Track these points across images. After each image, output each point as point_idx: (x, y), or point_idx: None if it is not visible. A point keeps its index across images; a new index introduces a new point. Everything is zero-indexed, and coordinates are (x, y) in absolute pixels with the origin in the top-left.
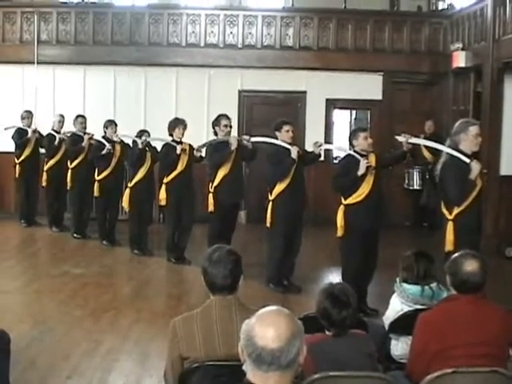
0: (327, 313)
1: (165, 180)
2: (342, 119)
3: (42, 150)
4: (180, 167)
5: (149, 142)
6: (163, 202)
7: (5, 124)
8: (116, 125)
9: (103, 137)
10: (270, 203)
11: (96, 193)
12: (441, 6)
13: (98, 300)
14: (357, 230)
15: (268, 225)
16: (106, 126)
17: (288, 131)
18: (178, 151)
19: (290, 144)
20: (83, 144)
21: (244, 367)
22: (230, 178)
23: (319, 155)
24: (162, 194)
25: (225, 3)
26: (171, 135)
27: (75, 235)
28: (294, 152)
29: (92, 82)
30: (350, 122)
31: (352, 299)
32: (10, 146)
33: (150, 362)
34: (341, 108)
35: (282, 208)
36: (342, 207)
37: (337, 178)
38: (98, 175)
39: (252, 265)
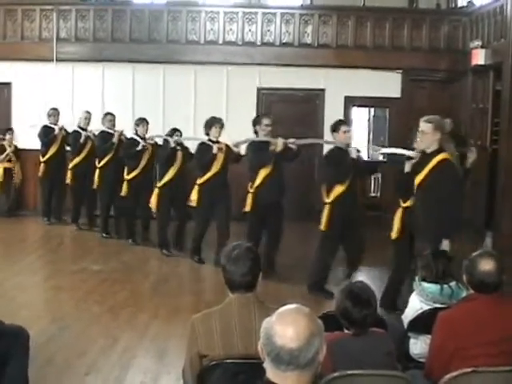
0: (348, 312)
1: (198, 181)
2: (361, 117)
3: (68, 148)
4: (215, 168)
5: (181, 142)
6: (194, 204)
7: (24, 121)
8: (147, 123)
9: (135, 135)
10: (328, 206)
11: (123, 192)
12: (460, 3)
13: (115, 297)
14: (411, 232)
15: (323, 228)
16: (137, 124)
17: (345, 132)
18: (215, 151)
19: (347, 145)
20: (114, 140)
21: (264, 365)
22: (271, 178)
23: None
24: (194, 195)
25: (243, 1)
26: (207, 134)
27: (104, 235)
28: (354, 152)
29: (111, 79)
30: (369, 119)
31: (372, 298)
32: (31, 144)
33: (168, 359)
34: (359, 106)
35: (339, 211)
36: (400, 210)
37: (401, 183)
38: (128, 174)
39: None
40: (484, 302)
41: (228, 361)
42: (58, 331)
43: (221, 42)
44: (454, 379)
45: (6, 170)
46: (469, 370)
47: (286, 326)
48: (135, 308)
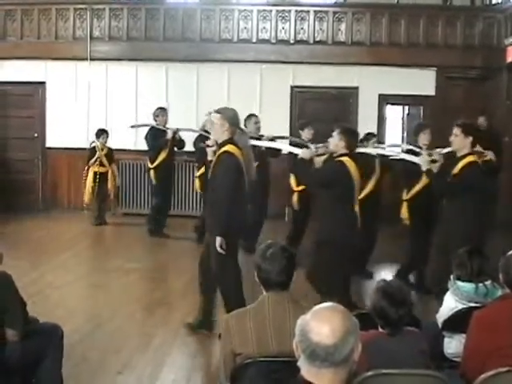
0: (384, 312)
1: (405, 196)
2: (395, 115)
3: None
4: (422, 184)
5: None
6: (407, 221)
7: (58, 120)
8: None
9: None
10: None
11: (295, 206)
12: None
13: (150, 294)
14: None
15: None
16: (301, 129)
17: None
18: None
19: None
20: (263, 148)
21: (299, 363)
22: None
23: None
24: (405, 213)
25: None
26: (416, 142)
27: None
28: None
29: (144, 78)
30: (403, 117)
31: (408, 297)
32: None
33: (201, 358)
34: (393, 104)
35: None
36: None
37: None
38: (298, 186)
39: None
40: None
41: (261, 359)
42: (93, 329)
43: (254, 40)
44: (489, 378)
45: (97, 174)
46: (504, 369)
47: (322, 322)
48: (170, 305)
